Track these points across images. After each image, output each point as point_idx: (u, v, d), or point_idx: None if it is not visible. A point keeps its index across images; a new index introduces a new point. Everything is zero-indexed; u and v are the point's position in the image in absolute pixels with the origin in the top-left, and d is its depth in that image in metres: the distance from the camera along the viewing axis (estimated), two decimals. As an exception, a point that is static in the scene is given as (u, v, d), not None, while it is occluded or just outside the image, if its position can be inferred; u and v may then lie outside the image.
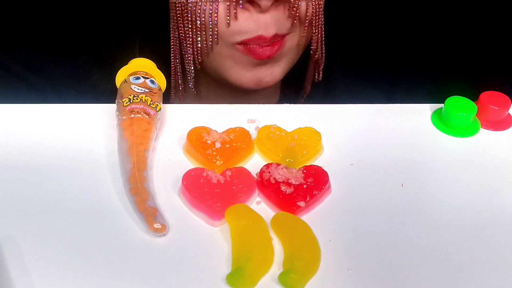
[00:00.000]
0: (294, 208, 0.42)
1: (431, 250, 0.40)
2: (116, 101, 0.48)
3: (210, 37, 0.58)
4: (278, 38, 0.58)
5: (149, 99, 0.47)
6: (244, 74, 0.61)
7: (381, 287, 0.38)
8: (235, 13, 0.56)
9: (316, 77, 0.69)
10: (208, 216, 0.41)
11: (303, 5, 0.58)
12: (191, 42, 0.60)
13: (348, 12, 0.74)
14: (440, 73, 0.77)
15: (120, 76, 0.50)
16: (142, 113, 0.46)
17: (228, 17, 0.56)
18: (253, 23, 0.57)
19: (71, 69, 0.73)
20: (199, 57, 0.61)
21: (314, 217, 0.42)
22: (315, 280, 0.37)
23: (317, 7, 0.60)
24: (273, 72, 0.62)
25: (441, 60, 0.78)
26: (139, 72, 0.50)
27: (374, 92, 0.75)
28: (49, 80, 0.72)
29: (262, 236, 0.40)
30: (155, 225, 0.39)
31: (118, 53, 0.61)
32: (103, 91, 0.67)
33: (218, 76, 0.64)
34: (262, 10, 0.56)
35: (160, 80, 0.50)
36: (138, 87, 0.48)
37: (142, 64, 0.50)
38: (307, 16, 0.59)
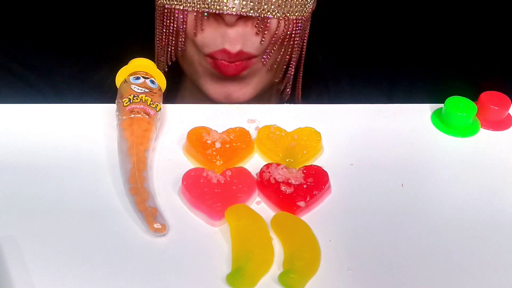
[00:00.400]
0: (294, 208, 0.42)
1: (431, 250, 0.40)
2: (116, 101, 0.48)
3: (180, 42, 0.59)
4: (243, 57, 0.57)
5: (149, 99, 0.47)
6: (213, 86, 0.61)
7: (381, 287, 0.38)
8: (201, 24, 0.56)
9: (290, 96, 0.69)
10: (208, 216, 0.41)
11: (273, 23, 0.57)
12: (165, 44, 0.61)
13: (348, 12, 0.74)
14: (440, 73, 0.77)
15: (120, 76, 0.50)
16: (142, 113, 0.46)
17: (195, 28, 0.57)
18: (219, 36, 0.56)
19: (71, 69, 0.73)
20: (172, 59, 0.62)
21: (314, 217, 0.42)
22: (315, 280, 0.37)
23: (292, 27, 0.58)
24: (242, 89, 0.61)
25: (441, 60, 0.78)
26: (139, 72, 0.49)
27: (374, 92, 0.75)
28: (49, 80, 0.72)
29: (262, 236, 0.40)
30: (155, 225, 0.39)
31: (118, 53, 0.61)
32: (103, 91, 0.67)
33: (194, 83, 0.64)
34: (228, 25, 0.55)
35: (160, 80, 0.50)
36: (138, 87, 0.48)
37: (142, 64, 0.50)
38: (275, 35, 0.57)
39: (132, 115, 0.46)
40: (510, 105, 0.52)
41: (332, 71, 0.75)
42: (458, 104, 0.51)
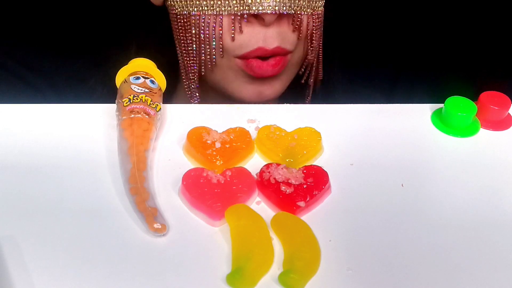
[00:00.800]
0: (294, 208, 0.42)
1: (431, 250, 0.40)
2: (116, 101, 0.48)
3: (214, 50, 0.58)
4: (280, 53, 0.57)
5: (149, 99, 0.47)
6: (245, 87, 0.61)
7: (381, 287, 0.38)
8: (240, 26, 0.56)
9: (309, 93, 0.69)
10: (208, 216, 0.41)
11: (304, 19, 0.58)
12: (194, 55, 0.59)
13: (348, 12, 0.74)
14: (440, 73, 0.77)
15: (120, 76, 0.50)
16: (142, 113, 0.46)
17: (233, 31, 0.56)
18: (254, 37, 0.56)
19: (71, 69, 0.73)
20: (202, 70, 0.60)
21: (314, 217, 0.42)
22: (315, 280, 0.37)
23: (317, 21, 0.60)
24: (274, 86, 0.61)
25: (441, 60, 0.78)
26: (139, 72, 0.49)
27: (374, 92, 0.75)
28: (49, 80, 0.72)
29: (262, 236, 0.40)
30: (155, 225, 0.39)
31: (118, 53, 0.61)
32: (103, 91, 0.67)
33: (220, 89, 0.63)
34: (266, 24, 0.55)
35: (160, 80, 0.50)
36: (138, 87, 0.48)
37: (142, 64, 0.50)
38: (308, 30, 0.59)
39: (132, 115, 0.46)
40: (510, 105, 0.52)
41: (332, 71, 0.75)
42: (458, 104, 0.51)
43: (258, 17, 0.56)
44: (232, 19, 0.56)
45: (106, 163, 0.46)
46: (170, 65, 0.65)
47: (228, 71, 0.60)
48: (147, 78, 0.49)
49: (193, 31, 0.57)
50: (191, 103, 0.66)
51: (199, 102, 0.67)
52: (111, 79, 0.51)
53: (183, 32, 0.59)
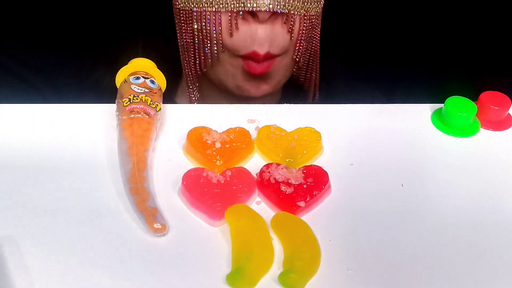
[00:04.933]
0: (294, 208, 0.42)
1: (431, 250, 0.40)
2: (116, 101, 0.48)
3: (215, 45, 0.60)
4: (268, 57, 0.60)
5: (149, 99, 0.47)
6: (243, 82, 0.63)
7: (381, 287, 0.38)
8: (236, 23, 0.58)
9: (311, 96, 0.70)
10: (208, 216, 0.41)
11: (297, 20, 0.59)
12: (196, 49, 0.61)
13: (348, 12, 0.74)
14: (440, 73, 0.77)
15: (120, 76, 0.50)
16: (142, 113, 0.46)
17: (230, 27, 0.58)
18: (249, 37, 0.58)
19: (71, 69, 0.73)
20: (203, 65, 0.62)
21: (314, 217, 0.42)
22: (315, 280, 0.37)
23: (308, 23, 0.61)
24: (268, 83, 0.63)
25: (441, 60, 0.78)
26: (139, 72, 0.50)
27: (374, 92, 0.75)
28: (49, 80, 0.72)
29: (262, 236, 0.40)
30: (155, 225, 0.39)
31: (118, 53, 0.61)
32: (103, 91, 0.67)
33: (220, 83, 0.65)
34: (260, 21, 0.57)
35: (160, 80, 0.50)
36: (138, 87, 0.48)
37: (142, 64, 0.50)
38: (300, 31, 0.60)
39: (132, 115, 0.46)
40: (510, 105, 0.52)
41: (332, 71, 0.75)
42: (458, 104, 0.51)
43: (253, 15, 0.57)
44: (229, 16, 0.57)
45: (106, 163, 0.46)
46: (170, 65, 0.65)
47: (229, 67, 0.62)
48: (147, 78, 0.49)
49: (195, 26, 0.60)
50: (191, 102, 0.67)
51: (199, 101, 0.68)
52: (111, 79, 0.51)
53: (185, 26, 0.61)
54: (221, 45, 0.59)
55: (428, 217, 0.43)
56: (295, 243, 0.39)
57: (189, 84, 0.65)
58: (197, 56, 0.62)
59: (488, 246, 0.41)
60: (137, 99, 0.47)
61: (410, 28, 0.78)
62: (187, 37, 0.61)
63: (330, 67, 0.73)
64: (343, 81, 0.76)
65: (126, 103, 0.47)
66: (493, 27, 0.78)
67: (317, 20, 0.63)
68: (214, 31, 0.59)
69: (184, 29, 0.61)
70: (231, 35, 0.58)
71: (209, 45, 0.60)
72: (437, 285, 0.38)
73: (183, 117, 0.51)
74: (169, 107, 0.52)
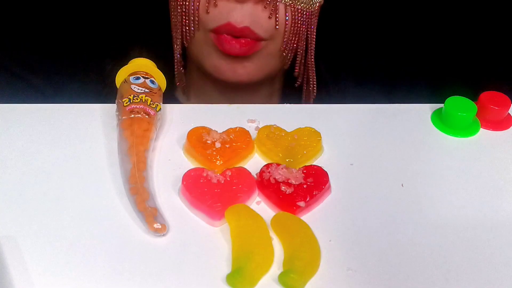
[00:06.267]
0: (294, 208, 0.42)
1: (431, 249, 0.40)
2: (116, 101, 0.48)
3: (193, 22, 0.60)
4: (249, 35, 0.58)
5: (149, 99, 0.47)
6: (220, 63, 0.62)
7: (381, 287, 0.38)
8: (215, 1, 0.57)
9: (305, 96, 0.70)
10: (208, 216, 0.41)
11: (281, 8, 0.59)
12: (177, 27, 0.62)
13: (348, 12, 0.74)
14: (440, 73, 0.77)
15: (120, 76, 0.50)
16: (142, 113, 0.46)
17: (208, 4, 0.58)
18: (225, 12, 0.58)
19: (71, 69, 0.73)
20: (184, 43, 0.63)
21: (314, 217, 0.42)
22: (315, 280, 0.37)
23: (298, 16, 0.60)
24: (246, 67, 0.62)
25: (441, 60, 0.78)
26: (139, 72, 0.49)
27: (374, 92, 0.75)
28: (49, 80, 0.72)
29: (262, 236, 0.40)
30: (155, 225, 0.39)
31: (119, 53, 0.61)
32: (103, 91, 0.67)
33: (199, 65, 0.65)
34: (238, 1, 0.57)
35: (160, 80, 0.50)
36: (138, 87, 0.48)
37: (142, 64, 0.50)
38: (287, 22, 0.60)
39: (132, 115, 0.46)
40: (510, 105, 0.52)
41: (332, 71, 0.75)
42: (458, 104, 0.51)
43: None
44: None
45: (106, 163, 0.46)
46: (170, 65, 0.65)
47: (204, 45, 0.62)
48: (147, 78, 0.49)
49: (177, 3, 0.60)
50: (180, 89, 0.67)
51: (192, 97, 0.68)
52: (112, 79, 0.51)
53: (173, 5, 0.61)
54: (196, 23, 0.59)
55: (428, 217, 0.43)
56: (295, 243, 0.39)
57: (177, 68, 0.65)
58: (178, 36, 0.62)
59: (488, 246, 0.41)
60: (137, 99, 0.47)
61: (410, 28, 0.78)
62: (173, 16, 0.62)
63: (330, 67, 0.73)
64: (343, 81, 0.76)
65: (126, 103, 0.47)
66: (493, 27, 0.78)
67: (311, 18, 0.62)
68: (193, 7, 0.59)
69: (173, 9, 0.62)
70: (207, 11, 0.58)
71: (187, 22, 0.60)
72: (437, 285, 0.38)
73: (183, 117, 0.51)
74: (169, 107, 0.52)
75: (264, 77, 0.65)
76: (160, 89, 0.50)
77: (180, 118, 0.51)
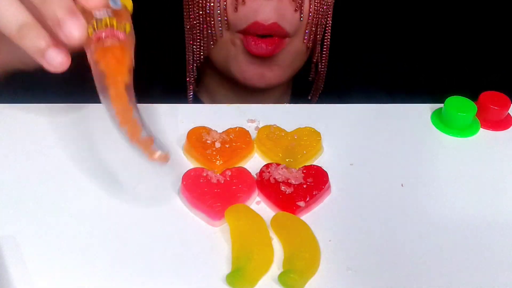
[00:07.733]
0: (294, 208, 0.42)
1: (431, 250, 0.40)
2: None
3: (220, 23, 0.58)
4: (277, 31, 0.58)
5: (114, 21, 0.41)
6: (247, 66, 0.61)
7: (381, 287, 0.38)
8: None
9: (312, 94, 0.70)
10: (208, 216, 0.41)
11: (306, 1, 0.59)
12: (200, 30, 0.60)
13: (347, 12, 0.74)
14: (440, 73, 0.77)
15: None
16: (111, 38, 0.40)
17: (236, 2, 0.57)
18: (252, 11, 0.57)
19: (71, 69, 0.73)
20: (206, 46, 0.61)
21: (314, 217, 0.42)
22: (315, 280, 0.37)
23: (319, 7, 0.60)
24: (273, 70, 0.62)
25: (441, 60, 0.78)
26: None
27: (374, 92, 0.75)
28: (49, 80, 0.72)
29: (262, 236, 0.40)
30: (156, 155, 0.36)
31: None
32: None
33: (223, 69, 0.64)
34: None
35: None
36: (98, 12, 0.41)
37: None
38: (310, 13, 0.59)
39: (102, 44, 0.40)
40: (510, 105, 0.52)
41: (332, 71, 0.75)
42: (458, 104, 0.51)
43: None
44: None
45: (106, 163, 0.46)
46: (172, 66, 0.65)
47: (230, 47, 0.60)
48: None
49: (200, 5, 0.58)
50: (189, 94, 0.66)
51: (208, 99, 0.67)
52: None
53: (191, 6, 0.60)
54: (225, 23, 0.58)
55: (428, 217, 0.43)
56: (295, 243, 0.39)
57: (190, 74, 0.64)
58: (201, 39, 0.61)
59: (488, 246, 0.41)
60: (100, 24, 0.41)
61: (411, 28, 0.79)
62: (193, 17, 0.60)
63: (330, 67, 0.73)
64: (343, 81, 0.76)
65: (91, 33, 0.40)
66: (493, 27, 0.78)
67: (330, 9, 0.62)
68: (219, 7, 0.57)
69: (191, 9, 0.60)
70: (235, 10, 0.57)
71: (213, 23, 0.58)
72: (437, 285, 0.38)
73: (183, 117, 0.51)
74: (169, 107, 0.52)
75: (290, 76, 0.65)
76: (126, 8, 0.43)
77: (180, 118, 0.51)
